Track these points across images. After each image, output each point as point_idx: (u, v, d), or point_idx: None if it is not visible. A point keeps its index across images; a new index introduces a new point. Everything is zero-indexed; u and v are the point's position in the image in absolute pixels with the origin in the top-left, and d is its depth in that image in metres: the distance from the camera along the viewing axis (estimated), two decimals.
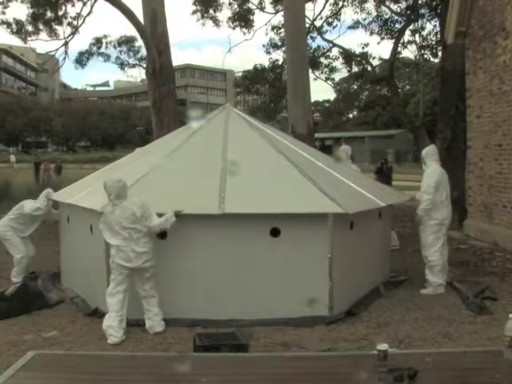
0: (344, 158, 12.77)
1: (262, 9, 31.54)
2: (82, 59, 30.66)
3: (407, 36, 31.20)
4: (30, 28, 26.25)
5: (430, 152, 10.18)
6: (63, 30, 26.90)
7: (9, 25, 26.24)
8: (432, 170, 9.93)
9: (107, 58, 31.43)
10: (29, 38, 26.87)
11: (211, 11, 30.72)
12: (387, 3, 30.05)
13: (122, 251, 7.59)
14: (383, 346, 4.21)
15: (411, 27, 29.98)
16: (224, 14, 30.58)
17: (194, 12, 30.84)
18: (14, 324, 8.40)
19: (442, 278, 9.86)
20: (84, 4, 25.92)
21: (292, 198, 8.44)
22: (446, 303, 9.17)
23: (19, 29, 26.34)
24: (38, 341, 7.64)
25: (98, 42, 30.72)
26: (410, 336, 7.53)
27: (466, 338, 7.58)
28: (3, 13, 26.12)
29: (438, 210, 9.79)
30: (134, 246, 7.60)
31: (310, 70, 27.03)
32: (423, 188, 9.84)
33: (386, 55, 31.74)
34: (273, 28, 31.94)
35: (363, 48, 32.56)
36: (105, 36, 31.02)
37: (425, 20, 29.30)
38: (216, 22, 31.42)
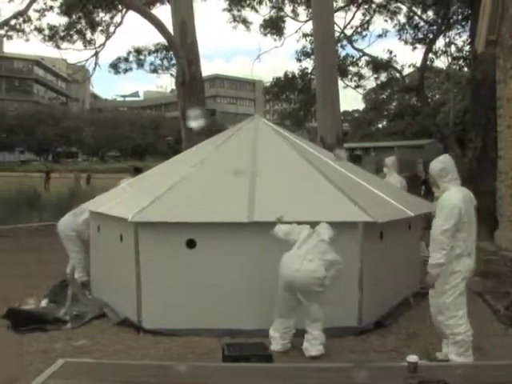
0: (390, 168, 12.98)
1: (294, 18, 31.59)
2: (117, 65, 30.91)
3: (439, 45, 31.12)
4: (62, 34, 26.69)
5: (446, 168, 6.89)
6: (95, 40, 27.34)
7: (41, 31, 26.66)
8: (448, 199, 6.77)
9: (141, 65, 31.55)
10: (61, 46, 27.28)
11: (243, 11, 30.94)
12: (418, 12, 29.96)
13: None
14: (413, 358, 4.16)
15: (443, 36, 29.88)
16: (255, 17, 30.79)
17: (226, 10, 31.02)
18: (44, 332, 8.47)
19: (468, 357, 6.77)
20: (115, 14, 26.33)
21: (321, 206, 8.42)
22: (477, 315, 9.01)
23: (52, 35, 26.76)
24: (67, 349, 7.69)
25: (136, 51, 30.99)
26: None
27: (498, 350, 7.47)
28: (39, 19, 26.61)
29: (461, 257, 6.74)
30: None
31: (339, 78, 26.99)
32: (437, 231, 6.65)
33: (417, 63, 31.57)
34: (304, 35, 31.98)
35: (391, 55, 32.42)
36: (144, 48, 31.23)
37: (456, 30, 29.22)
38: (247, 24, 31.60)
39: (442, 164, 6.89)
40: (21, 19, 24.92)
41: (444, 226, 6.54)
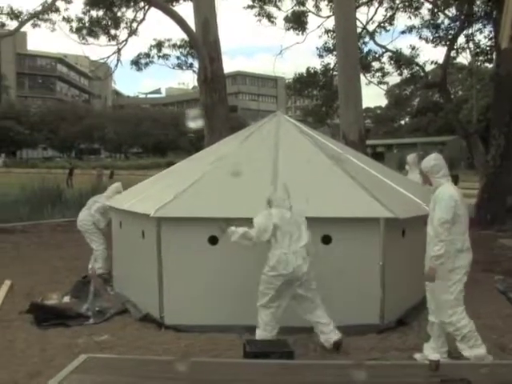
0: (412, 165, 12.88)
1: (316, 13, 31.46)
2: (139, 62, 30.95)
3: (461, 41, 30.84)
4: (87, 30, 26.95)
5: (438, 164, 7.06)
6: (118, 35, 27.52)
7: (69, 21, 26.90)
8: (444, 193, 6.87)
9: (165, 58, 31.46)
10: (86, 40, 27.49)
11: (265, 7, 30.85)
12: (441, 8, 29.69)
13: None
14: (435, 357, 4.14)
15: (465, 32, 29.61)
16: (277, 13, 30.60)
17: (249, 7, 30.94)
18: (67, 328, 8.53)
19: (481, 346, 6.85)
20: (138, 10, 26.50)
21: (343, 203, 8.39)
22: (500, 314, 8.99)
23: (80, 28, 27.02)
24: (90, 344, 7.74)
25: (158, 45, 30.98)
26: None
27: None
28: (66, 9, 26.90)
29: (461, 252, 6.82)
30: None
31: (362, 74, 26.83)
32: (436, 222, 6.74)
33: (440, 60, 31.29)
34: (326, 31, 31.85)
35: (413, 51, 32.14)
36: (165, 40, 31.19)
37: (479, 25, 28.92)
38: (271, 19, 31.55)
39: (434, 161, 7.06)
40: (49, 11, 25.18)
41: (443, 217, 6.64)
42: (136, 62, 30.89)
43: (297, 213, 7.53)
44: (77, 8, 26.76)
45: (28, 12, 24.51)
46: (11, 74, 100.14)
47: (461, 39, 30.39)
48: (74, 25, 27.19)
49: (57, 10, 26.14)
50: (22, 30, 26.78)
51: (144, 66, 31.02)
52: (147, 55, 30.86)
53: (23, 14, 24.36)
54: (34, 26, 25.95)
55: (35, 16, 24.50)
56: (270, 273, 7.27)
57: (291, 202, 7.54)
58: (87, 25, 27.18)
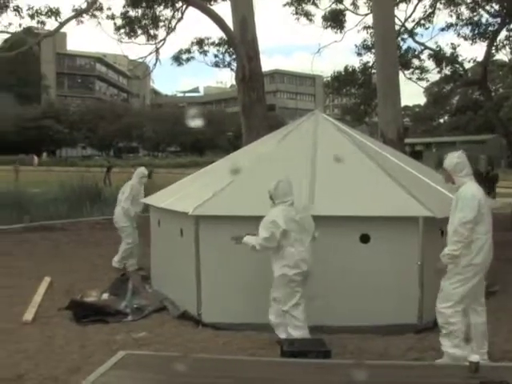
0: None
1: (354, 11, 31.24)
2: (179, 57, 31.08)
3: (501, 37, 30.39)
4: (128, 29, 27.14)
5: (461, 162, 6.92)
6: (156, 34, 27.66)
7: (113, 18, 27.10)
8: (467, 192, 6.75)
9: (204, 53, 31.49)
10: (126, 39, 27.68)
11: (303, 5, 30.68)
12: (482, 4, 29.28)
13: None
14: (475, 358, 4.09)
15: (506, 28, 29.17)
16: (315, 11, 30.27)
17: (287, 4, 30.81)
18: (105, 324, 8.63)
19: (465, 348, 6.68)
20: (176, 10, 26.62)
21: (381, 202, 8.34)
22: None
23: (123, 25, 27.19)
24: (128, 341, 7.81)
25: (199, 42, 31.07)
26: (502, 348, 7.29)
27: None
28: (109, 8, 27.15)
29: (482, 251, 6.72)
30: None
31: (401, 71, 26.57)
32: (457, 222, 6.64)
33: (479, 57, 30.87)
34: (365, 27, 31.63)
35: (455, 50, 31.80)
36: (206, 38, 31.28)
37: None
38: (309, 17, 31.42)
39: (457, 159, 6.92)
40: (94, 7, 25.43)
41: (465, 217, 6.56)
42: (177, 58, 31.03)
43: (301, 209, 7.55)
44: (116, 8, 26.88)
45: (73, 8, 24.78)
46: (51, 74, 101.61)
47: (501, 35, 29.99)
48: (118, 22, 27.42)
49: (100, 9, 26.39)
50: (62, 30, 26.98)
51: (185, 62, 31.13)
52: (188, 51, 30.97)
53: (63, 14, 24.58)
54: (79, 22, 26.18)
55: (79, 14, 24.72)
56: (292, 271, 7.26)
57: (293, 197, 7.55)
58: (128, 23, 27.34)
